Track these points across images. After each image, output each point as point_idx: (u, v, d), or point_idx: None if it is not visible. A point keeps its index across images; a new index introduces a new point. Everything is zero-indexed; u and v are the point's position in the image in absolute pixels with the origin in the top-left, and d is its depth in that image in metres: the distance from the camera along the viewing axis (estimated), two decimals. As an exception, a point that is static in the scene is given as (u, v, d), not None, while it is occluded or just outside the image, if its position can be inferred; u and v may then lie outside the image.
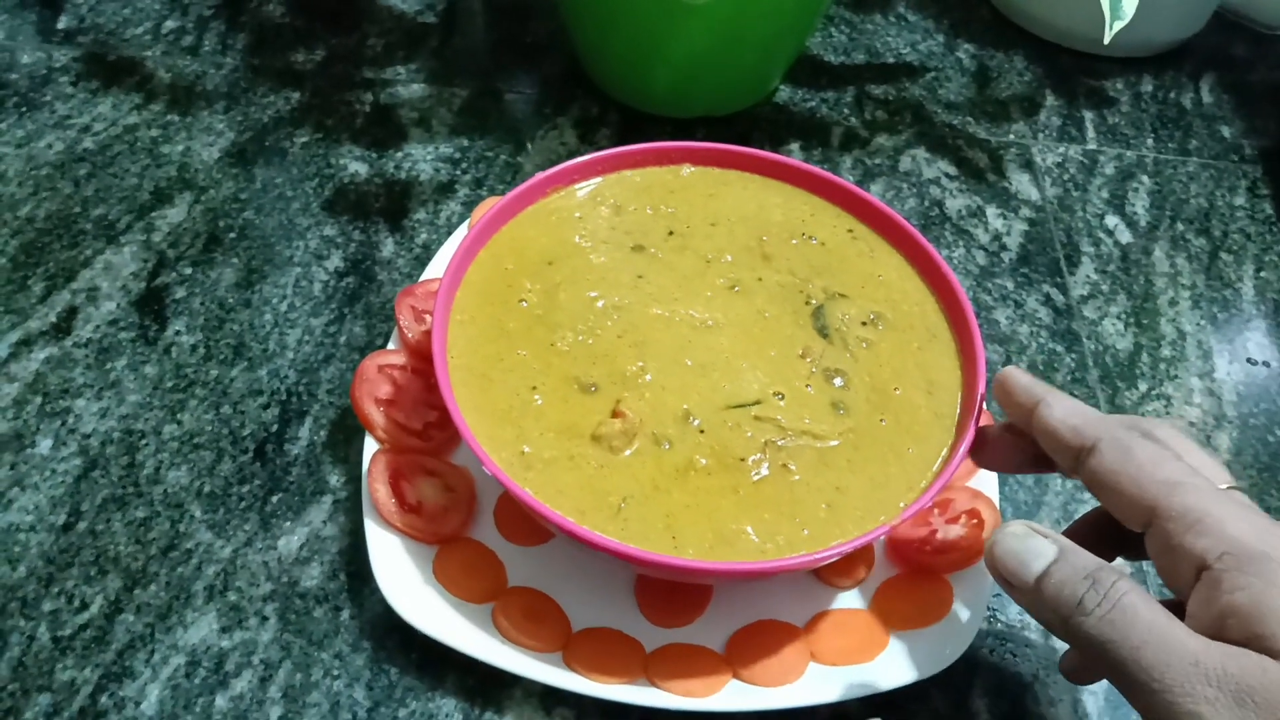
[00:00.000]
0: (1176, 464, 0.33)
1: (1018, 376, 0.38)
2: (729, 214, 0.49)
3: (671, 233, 0.48)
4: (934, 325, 0.45)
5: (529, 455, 0.39)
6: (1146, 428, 0.35)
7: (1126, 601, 0.30)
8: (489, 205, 0.53)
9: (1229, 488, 0.34)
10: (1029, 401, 0.37)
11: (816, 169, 0.49)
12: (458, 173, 0.62)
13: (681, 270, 0.46)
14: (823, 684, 0.40)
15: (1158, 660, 0.29)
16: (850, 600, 0.44)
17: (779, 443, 0.40)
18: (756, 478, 0.39)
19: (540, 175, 0.47)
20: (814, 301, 0.45)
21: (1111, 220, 0.63)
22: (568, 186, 0.49)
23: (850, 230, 0.48)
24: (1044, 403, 0.36)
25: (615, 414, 0.40)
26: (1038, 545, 0.33)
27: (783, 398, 0.42)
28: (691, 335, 0.44)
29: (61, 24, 0.72)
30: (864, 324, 0.45)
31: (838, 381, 0.42)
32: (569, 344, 0.43)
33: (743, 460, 0.40)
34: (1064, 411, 0.36)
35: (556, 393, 0.41)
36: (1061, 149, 0.67)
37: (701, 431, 0.40)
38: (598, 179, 0.50)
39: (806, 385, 0.42)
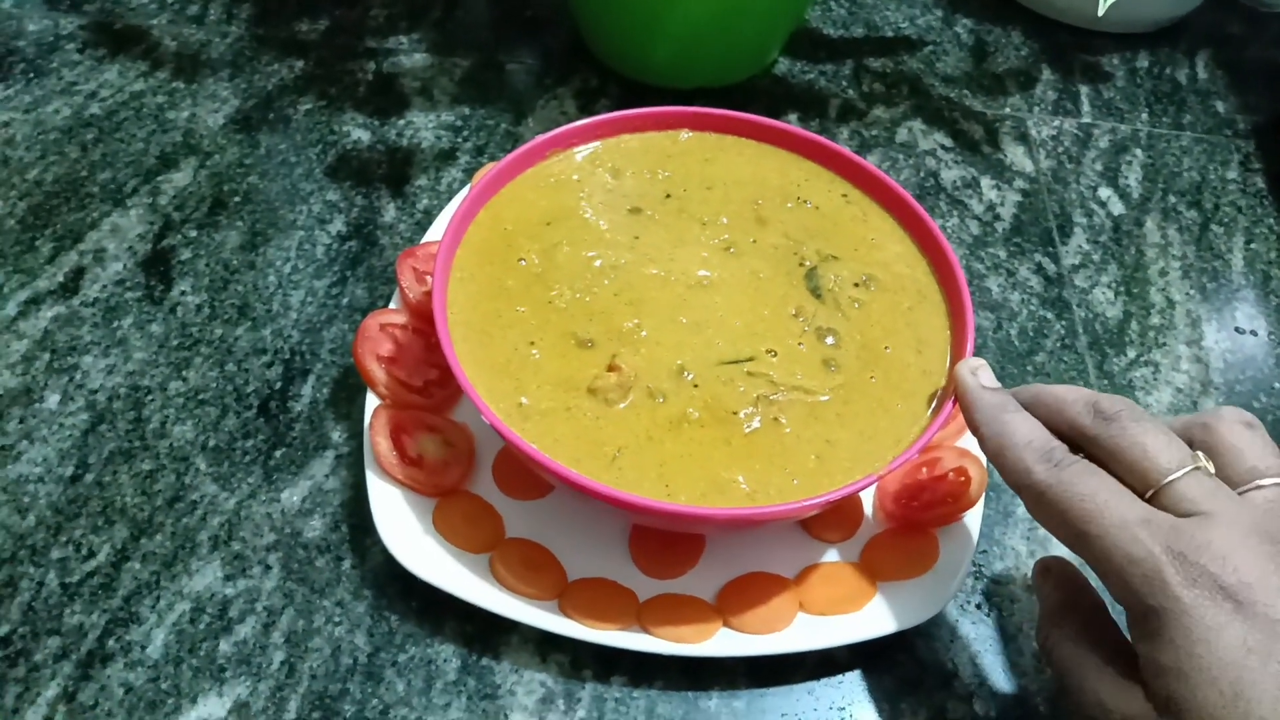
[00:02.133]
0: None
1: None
2: (725, 178, 0.50)
3: (668, 196, 0.49)
4: (924, 286, 0.46)
5: (526, 407, 0.40)
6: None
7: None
8: (489, 171, 0.54)
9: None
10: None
11: (812, 134, 0.50)
12: (459, 140, 0.63)
13: (678, 232, 0.47)
14: (810, 632, 0.42)
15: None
16: (839, 554, 0.45)
17: (771, 397, 0.41)
18: (748, 430, 0.40)
19: (540, 138, 0.48)
20: (807, 263, 0.46)
21: (1104, 192, 0.63)
22: (566, 150, 0.50)
23: (844, 195, 0.49)
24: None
25: (611, 368, 0.41)
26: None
27: (775, 354, 0.43)
28: (686, 294, 0.45)
29: (68, -8, 0.73)
30: (856, 285, 0.46)
31: (829, 340, 0.43)
32: (566, 301, 0.44)
33: (735, 413, 0.41)
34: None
35: (554, 348, 0.42)
36: (1057, 122, 0.68)
37: (695, 386, 0.41)
38: (596, 143, 0.51)
39: (799, 343, 0.43)
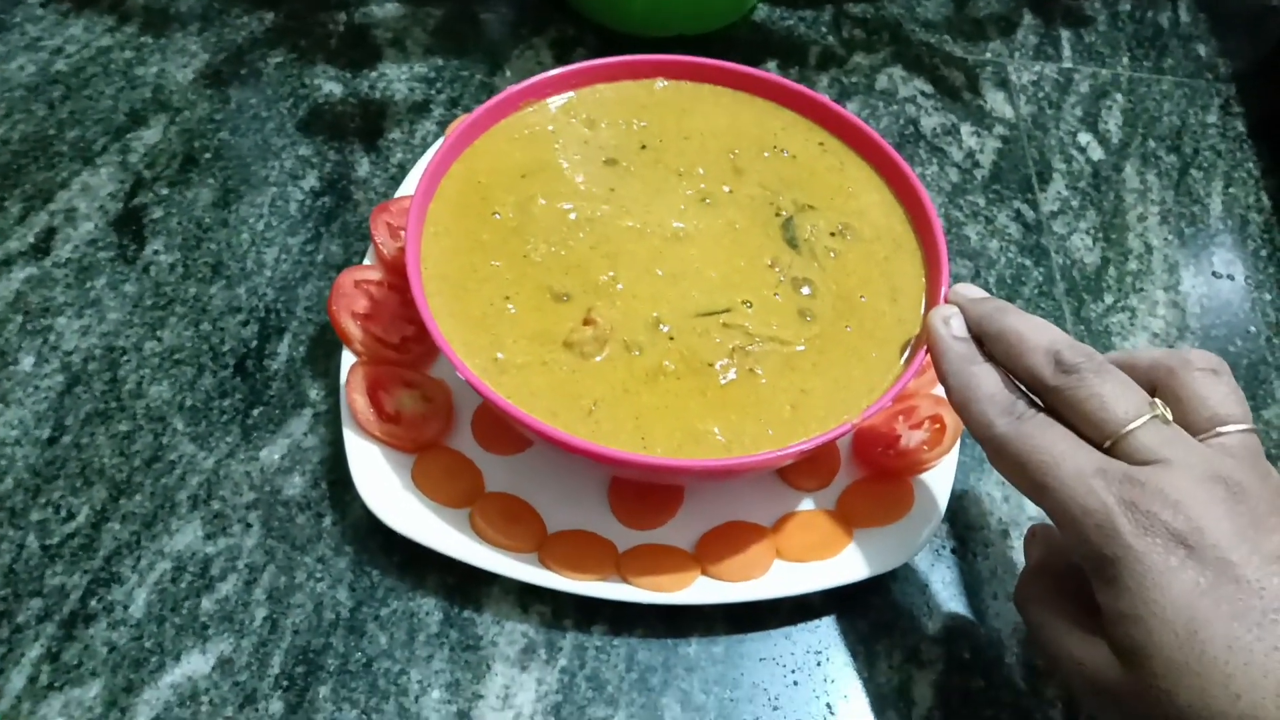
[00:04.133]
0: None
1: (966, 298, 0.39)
2: (701, 128, 0.49)
3: (644, 147, 0.48)
4: (900, 235, 0.46)
5: (503, 361, 0.40)
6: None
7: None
8: (462, 123, 0.53)
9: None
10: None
11: (789, 82, 0.49)
12: (433, 92, 0.62)
13: (653, 183, 0.47)
14: (787, 578, 0.42)
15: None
16: (815, 503, 0.45)
17: (746, 348, 0.41)
18: (724, 381, 0.40)
19: (513, 89, 0.48)
20: (784, 213, 0.46)
21: (1084, 138, 0.63)
22: (541, 101, 0.49)
23: (821, 143, 0.49)
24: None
25: (587, 321, 0.41)
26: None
27: (751, 305, 0.43)
28: (662, 246, 0.44)
29: (28, -56, 0.71)
30: (832, 235, 0.45)
31: (805, 290, 0.43)
32: (542, 255, 0.44)
33: (710, 365, 0.41)
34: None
35: (530, 301, 0.42)
36: (1037, 67, 0.67)
37: (671, 338, 0.41)
38: (571, 93, 0.50)
39: (774, 294, 0.43)
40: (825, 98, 0.49)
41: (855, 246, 0.45)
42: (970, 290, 0.39)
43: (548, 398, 0.39)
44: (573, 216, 0.45)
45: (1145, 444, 0.31)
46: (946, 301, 0.39)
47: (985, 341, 0.37)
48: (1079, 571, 0.35)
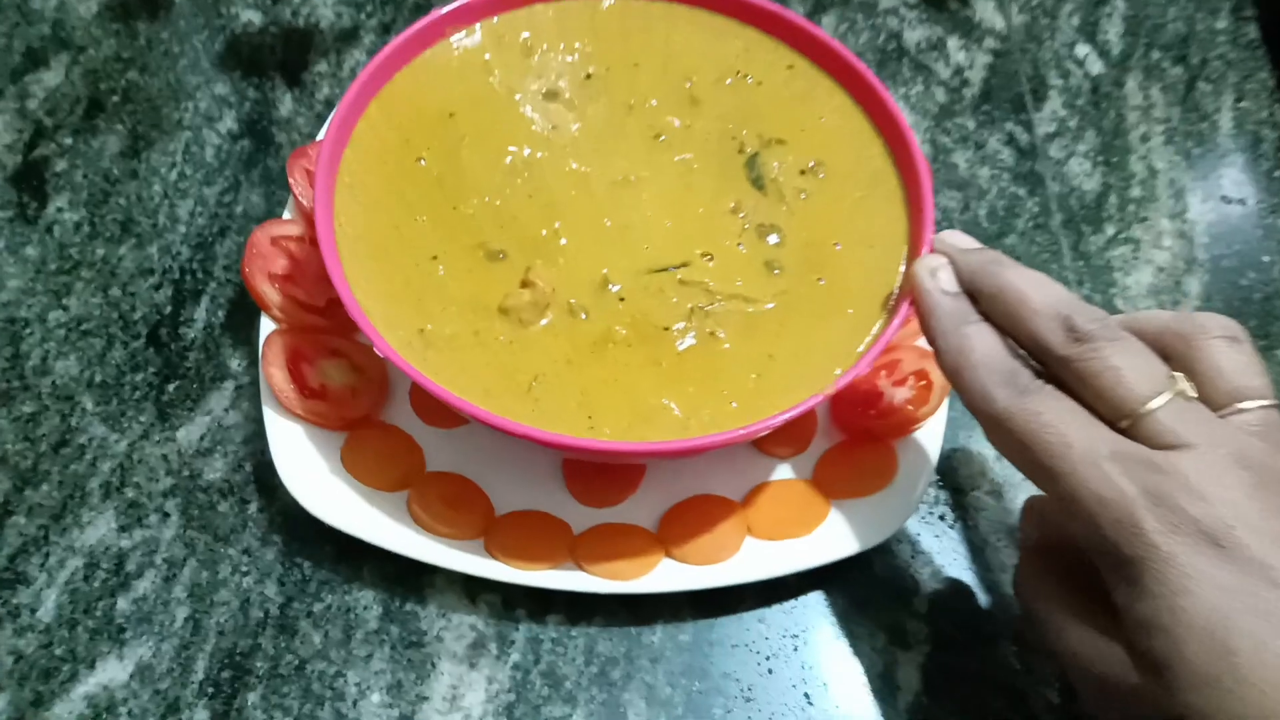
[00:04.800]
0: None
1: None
2: (654, 52, 0.44)
3: (589, 76, 0.43)
4: (879, 171, 0.41)
5: (430, 333, 0.36)
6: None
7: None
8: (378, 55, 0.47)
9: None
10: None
11: (752, -2, 0.44)
12: (362, 16, 0.56)
13: (600, 119, 0.41)
14: (759, 559, 0.38)
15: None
16: (790, 470, 0.41)
17: (706, 308, 0.37)
18: (681, 347, 0.36)
19: (436, 13, 0.42)
20: (748, 150, 0.41)
21: (1082, 49, 0.57)
22: (470, 25, 0.43)
23: (790, 66, 0.43)
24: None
25: (524, 283, 0.36)
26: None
27: (711, 259, 0.38)
28: (611, 193, 0.39)
29: None
30: (802, 173, 0.40)
31: (772, 239, 0.39)
32: (473, 208, 0.39)
33: (666, 329, 0.36)
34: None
35: (460, 262, 0.37)
36: (1031, -29, 0.61)
37: (621, 299, 0.37)
38: (505, 14, 0.44)
39: (738, 244, 0.38)
40: (793, 13, 0.43)
41: (828, 186, 0.40)
42: (960, 238, 0.34)
43: (481, 374, 0.35)
44: (508, 161, 0.40)
45: (1167, 424, 0.27)
46: (933, 251, 0.35)
47: (980, 299, 0.32)
48: (1086, 557, 0.31)
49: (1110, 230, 0.51)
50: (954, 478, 0.43)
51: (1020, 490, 0.43)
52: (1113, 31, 0.58)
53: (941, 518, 0.42)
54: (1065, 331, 0.29)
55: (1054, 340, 0.29)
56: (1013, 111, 0.54)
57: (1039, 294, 0.30)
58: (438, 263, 0.37)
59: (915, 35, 0.57)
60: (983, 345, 0.30)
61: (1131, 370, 0.28)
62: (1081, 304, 0.30)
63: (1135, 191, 0.52)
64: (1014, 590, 0.35)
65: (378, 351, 0.34)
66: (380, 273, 0.37)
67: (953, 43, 0.57)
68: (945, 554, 0.41)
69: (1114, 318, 0.31)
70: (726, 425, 0.34)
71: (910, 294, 0.35)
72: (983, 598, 0.40)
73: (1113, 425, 0.28)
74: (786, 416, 0.33)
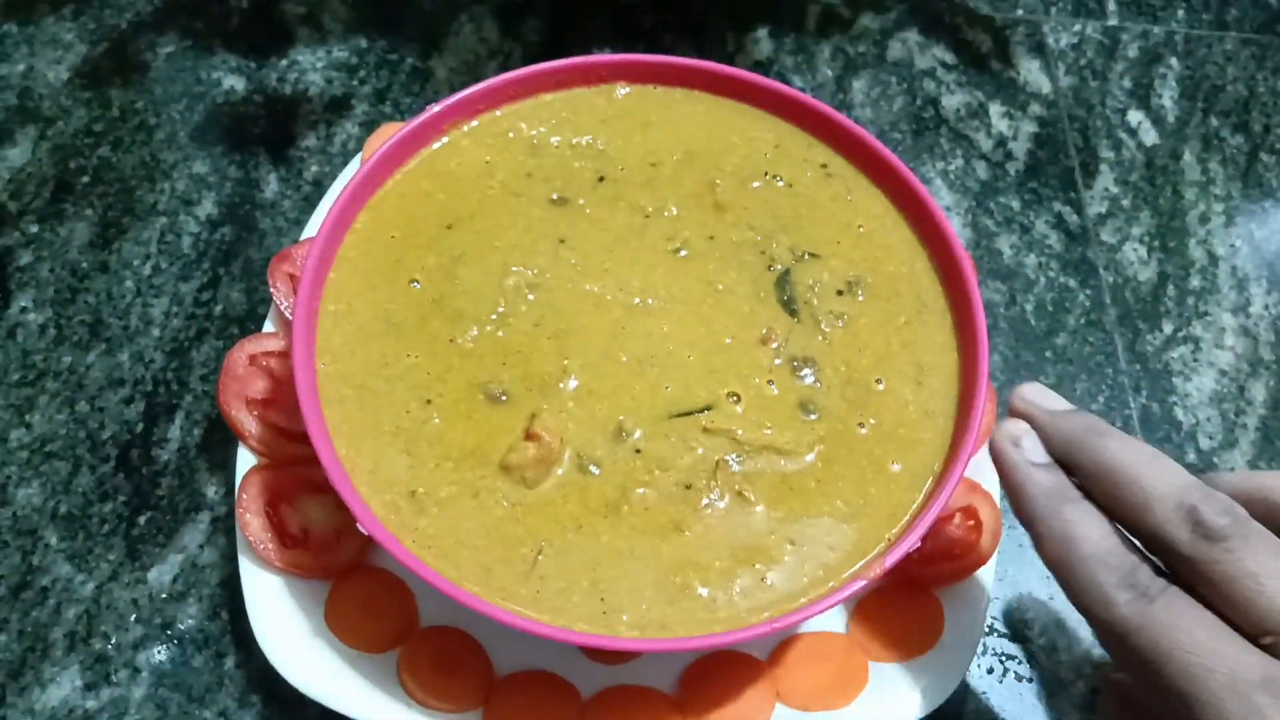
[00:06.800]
0: None
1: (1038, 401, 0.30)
2: (674, 148, 0.39)
3: (602, 178, 0.38)
4: (924, 290, 0.36)
5: (421, 496, 0.32)
6: None
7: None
8: (386, 135, 0.43)
9: None
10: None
11: (781, 86, 0.39)
12: (354, 84, 0.52)
13: (614, 229, 0.37)
14: (792, 736, 0.34)
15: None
16: (822, 620, 0.37)
17: (732, 463, 0.32)
18: (706, 510, 0.32)
19: (433, 109, 0.38)
20: (778, 266, 0.37)
21: (1134, 116, 0.53)
22: (470, 121, 0.39)
23: (824, 165, 0.39)
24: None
25: (529, 435, 0.32)
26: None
27: (738, 400, 0.34)
28: (626, 319, 0.35)
29: None
30: (839, 293, 0.36)
31: (806, 375, 0.34)
32: (473, 339, 0.34)
33: (689, 488, 0.32)
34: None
35: (457, 407, 0.33)
36: (1078, 27, 0.56)
37: (637, 451, 0.33)
38: (509, 105, 0.40)
39: (769, 381, 0.34)
40: (826, 106, 0.39)
41: (869, 308, 0.36)
42: (1045, 397, 0.30)
43: (480, 547, 0.31)
44: (511, 282, 0.36)
45: None
46: (1015, 414, 0.30)
47: (1077, 473, 0.28)
48: None
49: (1168, 328, 0.46)
50: (1004, 620, 0.39)
51: (1077, 638, 0.39)
52: (1167, 94, 0.54)
53: (989, 670, 0.38)
54: (1191, 526, 0.25)
55: (1179, 537, 0.25)
56: (1061, 189, 0.50)
57: (1155, 478, 0.26)
58: (431, 407, 0.33)
59: (954, 101, 0.53)
60: (1092, 534, 0.26)
61: (1274, 577, 0.24)
62: (1206, 491, 0.26)
63: (1194, 282, 0.48)
64: None
65: (362, 529, 0.30)
66: (366, 419, 0.33)
67: (995, 109, 0.53)
68: (996, 713, 0.37)
69: (1209, 476, 0.27)
70: (760, 609, 0.30)
71: (967, 453, 0.31)
72: (1039, 767, 0.36)
73: (1252, 640, 0.24)
74: (829, 603, 0.29)
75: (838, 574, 0.31)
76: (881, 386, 0.34)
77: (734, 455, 0.33)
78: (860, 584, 0.30)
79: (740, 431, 0.33)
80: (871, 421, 0.34)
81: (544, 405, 0.33)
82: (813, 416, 0.34)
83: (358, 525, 0.30)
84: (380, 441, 0.32)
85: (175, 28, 0.54)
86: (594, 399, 0.33)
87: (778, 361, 0.35)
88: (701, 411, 0.33)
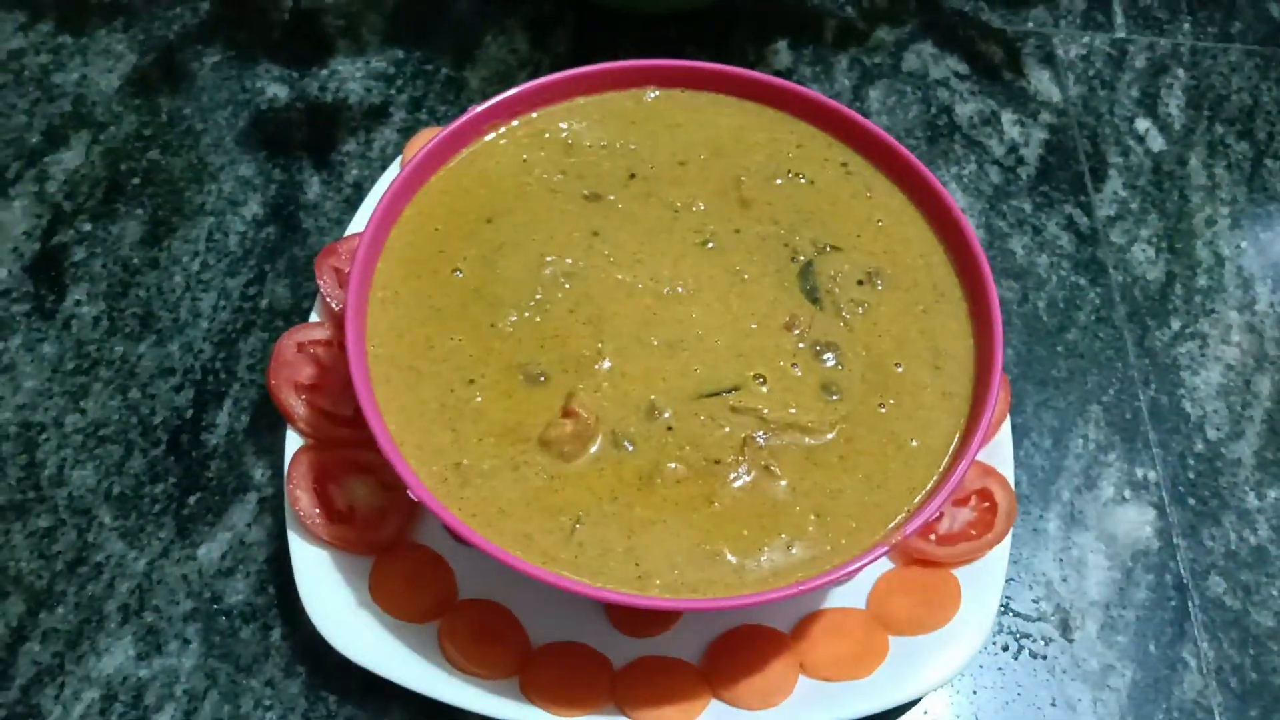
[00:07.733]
0: None
1: None
2: (700, 148, 0.41)
3: (633, 176, 0.40)
4: (941, 280, 0.38)
5: (466, 468, 0.33)
6: None
7: None
8: (426, 139, 0.45)
9: None
10: None
11: (803, 89, 0.41)
12: (392, 92, 0.54)
13: (645, 223, 0.39)
14: (815, 703, 0.36)
15: None
16: (844, 596, 0.39)
17: (759, 439, 0.34)
18: (735, 484, 0.33)
19: (474, 110, 0.40)
20: (801, 257, 0.39)
21: (1142, 124, 0.55)
22: (509, 122, 0.41)
23: (844, 164, 0.41)
24: None
25: (567, 413, 0.34)
26: None
27: (764, 381, 0.35)
28: (657, 306, 0.37)
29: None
30: (860, 283, 0.38)
31: (828, 359, 0.36)
32: (512, 324, 0.36)
33: (718, 462, 0.34)
34: None
35: (498, 386, 0.35)
36: (1086, 39, 0.58)
37: (669, 429, 0.34)
38: (545, 108, 0.42)
39: (793, 364, 0.36)
40: (846, 108, 0.41)
41: (888, 296, 0.38)
42: None
43: (521, 515, 0.33)
44: (548, 271, 0.38)
45: None
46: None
47: None
48: None
49: (1176, 324, 0.48)
50: (1017, 602, 0.41)
51: (1089, 617, 0.40)
52: (1174, 104, 0.56)
53: (1004, 648, 0.40)
54: None
55: None
56: (1071, 192, 0.52)
57: None
58: (474, 386, 0.35)
59: (967, 109, 0.55)
60: None
61: None
62: None
63: (1201, 281, 0.49)
64: None
65: (412, 495, 0.32)
66: (413, 398, 0.35)
67: (1007, 117, 0.55)
68: (1009, 690, 0.39)
69: None
70: (785, 574, 0.32)
71: (984, 429, 0.32)
72: (1053, 740, 0.38)
73: None
74: (853, 567, 0.31)
75: (860, 542, 0.32)
76: (901, 370, 0.36)
77: (760, 432, 0.34)
78: (883, 549, 0.31)
79: (766, 410, 0.35)
80: (891, 402, 0.35)
81: (580, 385, 0.35)
82: (835, 397, 0.35)
83: (409, 493, 0.32)
84: (426, 419, 0.34)
85: (220, 39, 0.56)
86: (627, 380, 0.35)
87: (801, 346, 0.36)
88: (729, 392, 0.35)
